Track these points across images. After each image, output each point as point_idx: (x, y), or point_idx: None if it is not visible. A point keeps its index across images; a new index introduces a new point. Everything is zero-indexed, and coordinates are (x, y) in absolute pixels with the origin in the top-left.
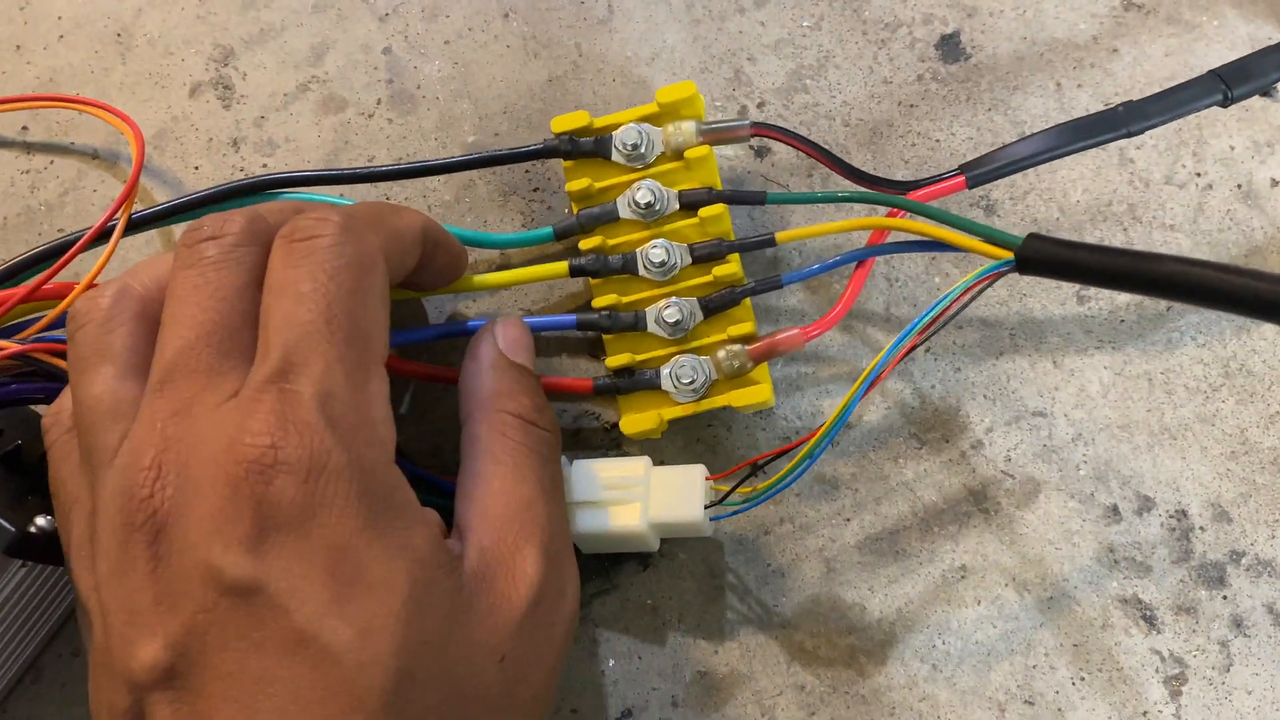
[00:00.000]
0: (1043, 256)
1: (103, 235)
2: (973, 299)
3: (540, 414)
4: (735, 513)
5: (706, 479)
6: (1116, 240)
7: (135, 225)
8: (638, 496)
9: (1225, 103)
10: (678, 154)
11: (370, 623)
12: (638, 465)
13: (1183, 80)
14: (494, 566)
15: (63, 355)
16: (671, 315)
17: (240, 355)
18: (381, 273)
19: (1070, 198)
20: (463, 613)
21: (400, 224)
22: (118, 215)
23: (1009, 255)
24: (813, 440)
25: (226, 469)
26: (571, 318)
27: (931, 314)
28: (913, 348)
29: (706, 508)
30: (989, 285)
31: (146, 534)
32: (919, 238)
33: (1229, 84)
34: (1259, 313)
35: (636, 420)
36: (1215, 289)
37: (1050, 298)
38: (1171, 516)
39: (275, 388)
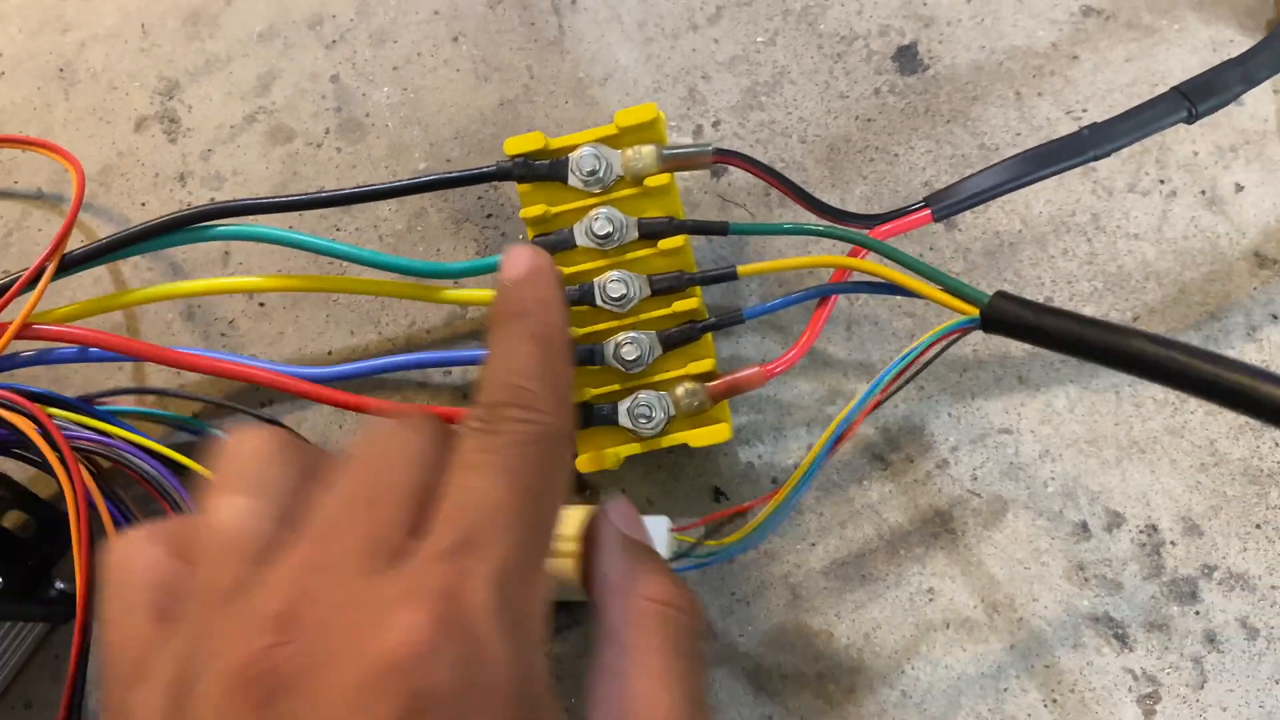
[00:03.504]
0: (1009, 318)
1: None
2: (936, 356)
3: (679, 594)
4: (700, 566)
5: (670, 530)
6: (1081, 251)
7: (76, 262)
8: None
9: (1190, 119)
10: (638, 180)
11: None
12: None
13: (1144, 86)
14: None
15: (6, 405)
16: (630, 353)
17: (403, 527)
18: (572, 449)
19: (1033, 209)
20: None
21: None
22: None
23: (974, 312)
24: (775, 503)
25: (378, 641)
26: None
27: (893, 371)
28: (876, 405)
29: (671, 561)
30: (953, 343)
31: (260, 691)
32: (882, 280)
33: (1193, 101)
34: (1229, 404)
35: (593, 459)
36: (1183, 374)
37: None
38: (1142, 532)
39: (450, 563)
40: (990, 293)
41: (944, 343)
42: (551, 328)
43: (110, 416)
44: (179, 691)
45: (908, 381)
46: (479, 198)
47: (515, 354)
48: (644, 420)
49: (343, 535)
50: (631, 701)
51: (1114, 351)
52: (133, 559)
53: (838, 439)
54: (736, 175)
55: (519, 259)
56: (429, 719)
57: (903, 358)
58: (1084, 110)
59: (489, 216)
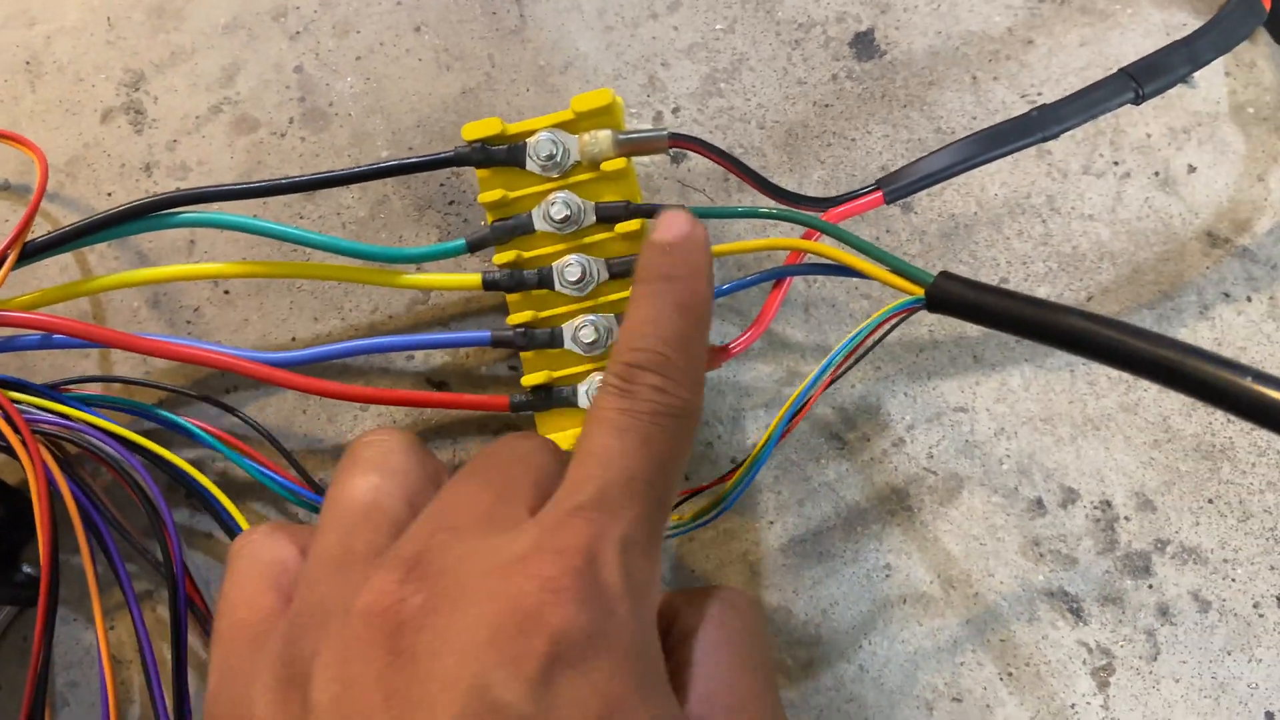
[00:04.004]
0: (952, 297)
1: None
2: (884, 336)
3: (743, 592)
4: None
5: None
6: (1035, 232)
7: (39, 249)
8: None
9: (1138, 100)
10: (594, 164)
11: None
12: None
13: (1098, 70)
14: None
15: None
16: (587, 335)
17: (524, 507)
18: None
19: (988, 191)
20: None
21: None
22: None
23: (919, 292)
24: (732, 481)
25: (516, 581)
26: (486, 334)
27: (844, 351)
28: (828, 384)
29: None
30: (900, 322)
31: (389, 623)
32: (833, 262)
33: (1140, 82)
34: (1157, 378)
35: (554, 441)
36: (1114, 350)
37: None
38: (1096, 507)
39: (587, 519)
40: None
41: (892, 322)
42: (700, 298)
43: (74, 401)
44: (297, 642)
45: (858, 361)
46: (441, 185)
47: (662, 319)
48: None
49: (464, 509)
50: (717, 687)
51: (1049, 328)
52: (258, 545)
53: (792, 418)
54: (696, 161)
55: (675, 222)
56: (567, 662)
57: (852, 338)
58: (1039, 94)
59: (451, 203)
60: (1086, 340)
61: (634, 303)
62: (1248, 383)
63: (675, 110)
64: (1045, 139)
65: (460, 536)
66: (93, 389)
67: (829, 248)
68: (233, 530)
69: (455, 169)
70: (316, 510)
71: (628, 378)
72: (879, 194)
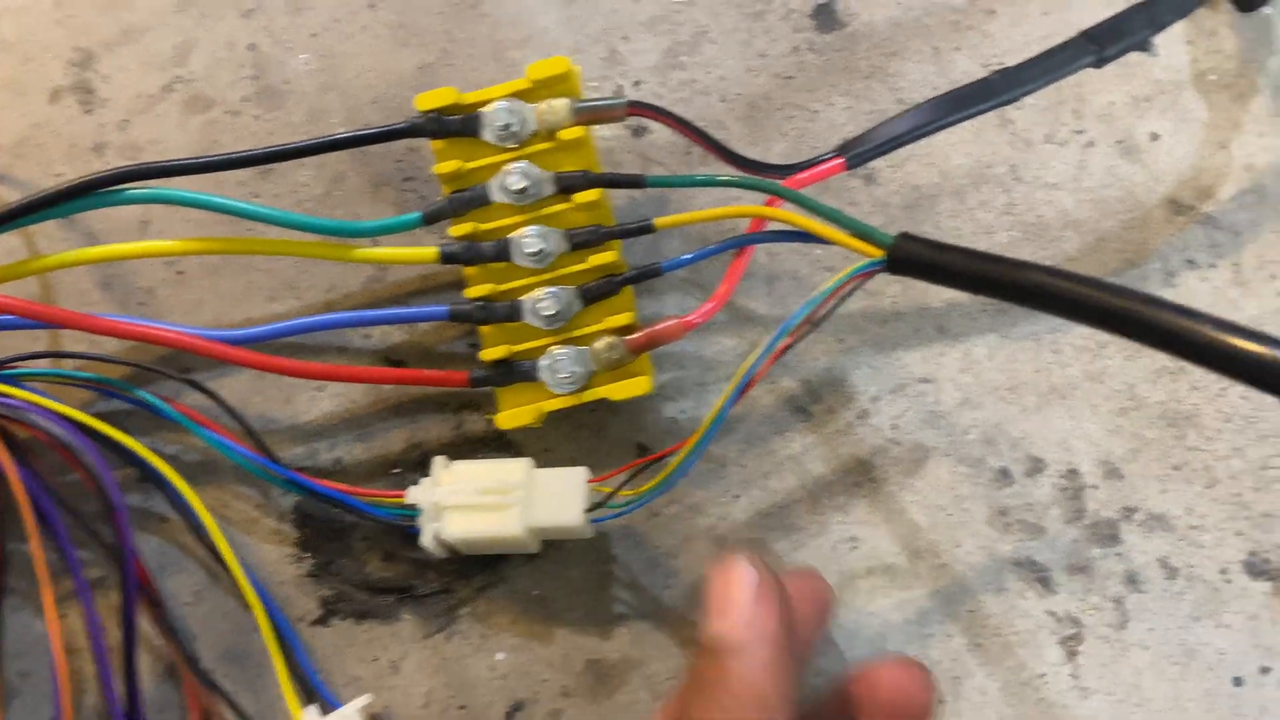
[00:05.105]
0: (914, 257)
1: None
2: (844, 299)
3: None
4: (617, 515)
5: (589, 481)
6: (999, 202)
7: None
8: (516, 500)
9: (1099, 63)
10: (552, 133)
11: None
12: (517, 468)
13: (1061, 39)
14: None
15: None
16: (547, 308)
17: None
18: None
19: (951, 161)
20: None
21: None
22: None
23: (880, 254)
24: (686, 449)
25: None
26: (444, 309)
27: (802, 315)
28: (785, 349)
29: (588, 510)
30: (860, 285)
31: None
32: (794, 228)
33: (1100, 44)
34: (1123, 331)
35: (513, 416)
36: (1079, 303)
37: None
38: (1063, 476)
39: None
40: None
41: (851, 285)
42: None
43: (18, 381)
44: None
45: (817, 327)
46: (397, 161)
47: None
48: (563, 375)
49: None
50: None
51: (1014, 284)
52: None
53: (747, 383)
54: (658, 135)
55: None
56: None
57: (808, 302)
58: (1001, 64)
59: (407, 180)
60: (1051, 295)
61: None
62: (1209, 330)
63: (636, 84)
64: (1007, 102)
65: None
66: (46, 371)
67: (789, 213)
68: (186, 512)
69: (412, 144)
70: (278, 482)
71: None
72: (840, 160)
